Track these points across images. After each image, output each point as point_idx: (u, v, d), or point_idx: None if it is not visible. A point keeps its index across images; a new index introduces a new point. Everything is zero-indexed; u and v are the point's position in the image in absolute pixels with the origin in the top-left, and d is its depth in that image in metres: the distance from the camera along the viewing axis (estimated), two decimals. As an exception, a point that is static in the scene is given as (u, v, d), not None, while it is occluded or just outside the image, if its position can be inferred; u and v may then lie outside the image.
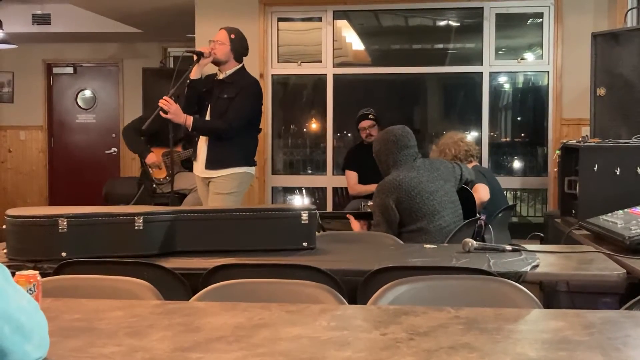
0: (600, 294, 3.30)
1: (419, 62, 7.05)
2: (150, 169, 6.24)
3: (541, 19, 6.44)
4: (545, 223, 5.46)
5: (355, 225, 4.40)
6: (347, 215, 4.50)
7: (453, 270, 2.77)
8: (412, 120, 7.39)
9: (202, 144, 4.87)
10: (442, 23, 7.17)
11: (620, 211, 3.53)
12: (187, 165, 6.33)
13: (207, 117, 4.84)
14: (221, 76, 4.89)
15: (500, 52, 6.60)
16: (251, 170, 4.93)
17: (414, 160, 4.04)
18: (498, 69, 6.60)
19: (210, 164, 4.81)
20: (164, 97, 4.65)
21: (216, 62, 4.83)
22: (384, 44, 7.68)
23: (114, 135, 10.18)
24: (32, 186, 10.20)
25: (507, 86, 6.99)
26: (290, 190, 7.14)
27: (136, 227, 3.16)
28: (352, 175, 6.10)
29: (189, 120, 4.69)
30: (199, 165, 4.92)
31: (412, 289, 2.33)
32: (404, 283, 2.35)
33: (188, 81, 4.78)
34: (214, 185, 4.85)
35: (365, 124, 6.08)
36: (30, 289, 1.89)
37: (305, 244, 3.29)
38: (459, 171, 4.22)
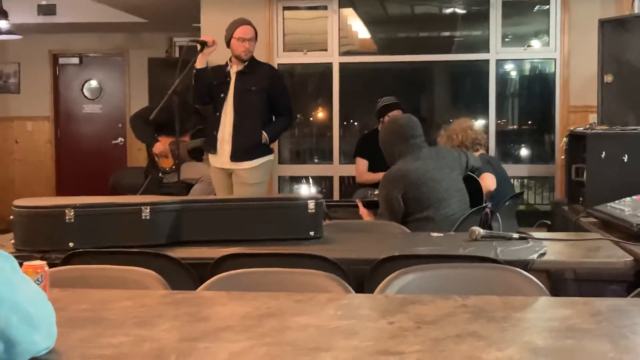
0: (608, 281, 3.30)
1: (425, 50, 7.02)
2: (157, 158, 6.24)
3: (548, 6, 6.40)
4: (553, 211, 5.45)
5: (364, 211, 4.38)
6: (357, 200, 4.48)
7: (460, 259, 2.77)
8: (419, 108, 7.36)
9: (224, 136, 4.89)
10: (449, 11, 7.13)
11: (628, 198, 3.52)
12: (195, 155, 6.33)
13: (230, 109, 4.89)
14: (239, 67, 4.90)
15: (506, 39, 6.57)
16: (272, 156, 5.11)
17: (420, 149, 4.02)
18: (505, 56, 6.56)
19: (236, 157, 4.89)
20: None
21: (247, 59, 4.87)
22: (390, 32, 7.64)
23: (120, 125, 10.19)
24: (39, 177, 10.22)
25: (513, 74, 6.96)
26: (297, 179, 7.13)
27: (143, 217, 3.16)
28: (362, 163, 6.04)
29: (265, 138, 4.92)
30: (221, 157, 4.94)
31: (419, 277, 2.33)
32: (411, 272, 2.34)
33: (194, 71, 4.78)
34: (239, 177, 4.89)
35: (396, 114, 5.85)
36: (37, 280, 1.89)
37: (312, 233, 3.30)
38: (465, 159, 4.20)
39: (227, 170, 4.98)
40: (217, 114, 4.94)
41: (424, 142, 4.09)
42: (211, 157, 5.06)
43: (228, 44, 4.90)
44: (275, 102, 5.02)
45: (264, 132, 4.92)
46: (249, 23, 4.94)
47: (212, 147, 4.99)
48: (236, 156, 4.89)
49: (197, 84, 4.86)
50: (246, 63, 4.91)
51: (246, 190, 4.88)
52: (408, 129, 4.04)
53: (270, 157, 5.04)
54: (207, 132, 5.14)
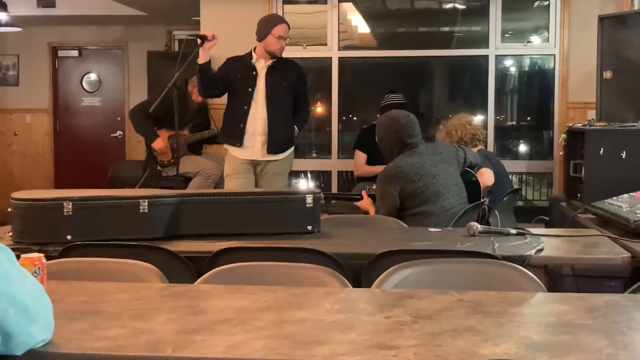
0: (605, 277, 3.31)
1: (424, 45, 7.01)
2: (156, 152, 6.24)
3: (548, 2, 6.40)
4: (551, 207, 5.45)
5: (367, 201, 4.35)
6: (363, 192, 4.46)
7: (457, 254, 2.77)
8: (418, 103, 7.35)
9: (256, 129, 4.91)
10: (448, 5, 7.13)
11: (626, 195, 3.52)
12: (193, 148, 6.33)
13: (262, 103, 4.93)
14: (268, 62, 4.91)
15: (506, 35, 6.56)
16: (294, 146, 5.25)
17: (417, 146, 4.03)
18: (504, 52, 6.56)
19: (273, 149, 5.00)
20: None
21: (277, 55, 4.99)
22: (389, 27, 7.63)
23: (119, 118, 10.18)
24: (38, 169, 10.22)
25: (513, 69, 6.96)
26: (295, 173, 7.12)
27: (141, 210, 3.16)
28: (360, 156, 6.05)
29: (296, 131, 5.09)
30: (249, 149, 4.96)
31: (416, 272, 2.34)
32: (408, 266, 2.35)
33: (197, 66, 4.78)
34: (270, 167, 5.02)
35: None
36: (35, 272, 1.90)
37: (309, 227, 3.30)
38: (463, 154, 4.20)
39: (254, 162, 5.02)
40: (245, 107, 4.94)
41: (421, 140, 4.10)
42: (233, 149, 5.02)
43: (261, 39, 4.92)
44: (298, 97, 5.13)
45: (295, 126, 5.08)
46: (286, 22, 5.05)
47: (238, 140, 4.98)
48: (273, 149, 4.98)
49: (203, 77, 4.84)
50: (276, 59, 4.96)
51: (277, 179, 5.03)
52: (406, 129, 4.04)
53: (293, 146, 5.20)
54: (228, 125, 5.08)
